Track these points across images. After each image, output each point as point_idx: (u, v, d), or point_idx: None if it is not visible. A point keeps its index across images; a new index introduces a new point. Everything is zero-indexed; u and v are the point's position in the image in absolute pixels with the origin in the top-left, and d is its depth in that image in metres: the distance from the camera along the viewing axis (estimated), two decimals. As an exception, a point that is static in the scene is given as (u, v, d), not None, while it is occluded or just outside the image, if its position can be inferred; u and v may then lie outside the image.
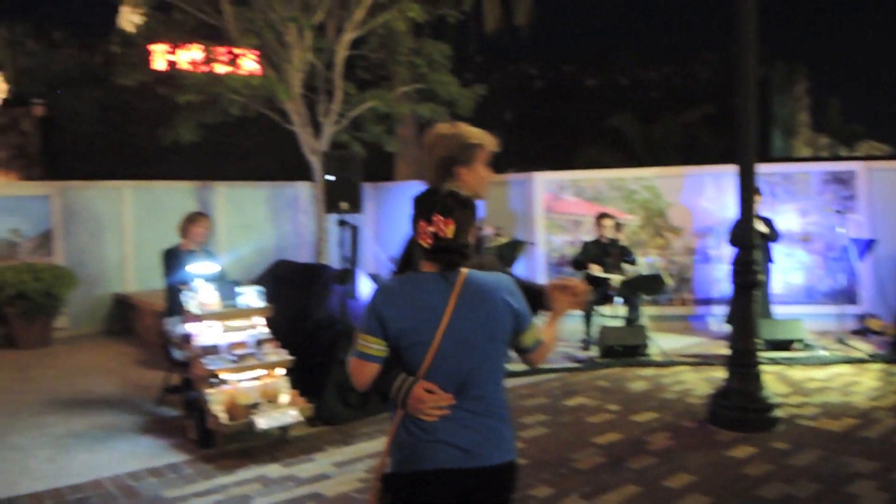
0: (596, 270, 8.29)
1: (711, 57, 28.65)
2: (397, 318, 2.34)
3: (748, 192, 5.70)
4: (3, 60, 23.43)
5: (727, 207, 9.21)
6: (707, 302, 9.70)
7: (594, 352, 8.05)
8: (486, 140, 2.79)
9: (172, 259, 6.37)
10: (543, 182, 10.25)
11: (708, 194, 9.67)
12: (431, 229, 2.33)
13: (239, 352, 5.53)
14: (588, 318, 8.40)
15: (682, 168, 10.49)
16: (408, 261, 2.58)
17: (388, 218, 12.25)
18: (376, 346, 2.35)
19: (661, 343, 8.11)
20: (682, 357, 7.93)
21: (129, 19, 20.07)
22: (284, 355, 5.63)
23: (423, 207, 2.37)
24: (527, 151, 25.67)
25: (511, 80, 30.38)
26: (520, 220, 10.24)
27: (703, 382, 6.91)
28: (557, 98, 29.45)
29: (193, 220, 6.51)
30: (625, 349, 7.85)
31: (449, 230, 2.32)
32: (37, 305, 8.99)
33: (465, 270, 2.39)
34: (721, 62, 26.88)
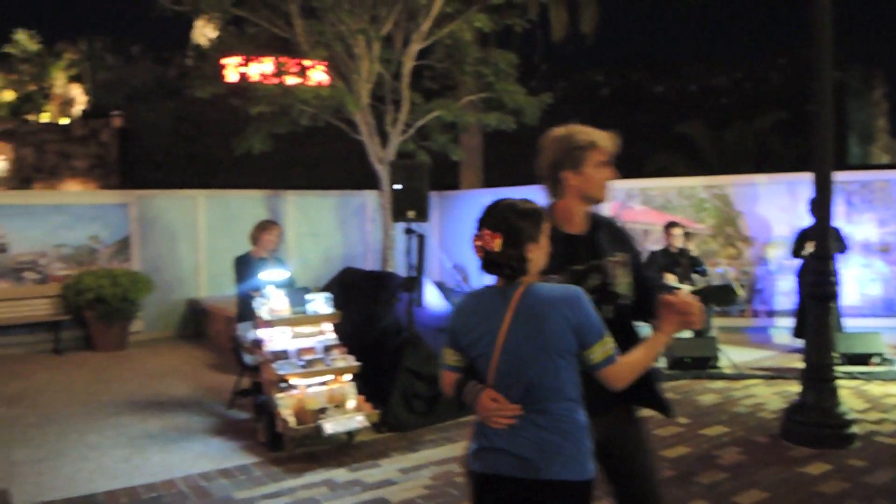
0: (671, 280, 8.15)
1: (784, 61, 27.92)
2: (464, 330, 2.43)
3: (825, 201, 5.54)
4: (83, 74, 24.44)
5: (802, 217, 8.96)
6: (780, 314, 9.44)
7: (662, 363, 7.92)
8: (599, 140, 2.73)
9: (244, 266, 6.53)
10: (611, 190, 10.13)
11: (781, 203, 9.42)
12: (479, 243, 2.37)
13: (307, 357, 5.63)
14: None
15: (754, 176, 10.26)
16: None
17: (453, 226, 12.31)
18: (453, 358, 2.48)
19: (732, 355, 7.93)
20: (754, 370, 7.73)
21: (204, 34, 20.74)
22: (352, 361, 5.70)
23: (478, 221, 2.41)
24: (593, 159, 25.36)
25: (577, 87, 30.21)
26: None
27: (775, 397, 6.72)
28: (624, 105, 29.13)
29: (264, 227, 6.67)
30: (694, 361, 7.69)
31: (496, 244, 2.33)
32: (114, 309, 9.31)
33: (526, 283, 2.37)
34: (795, 66, 26.18)
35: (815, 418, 5.36)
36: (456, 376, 2.47)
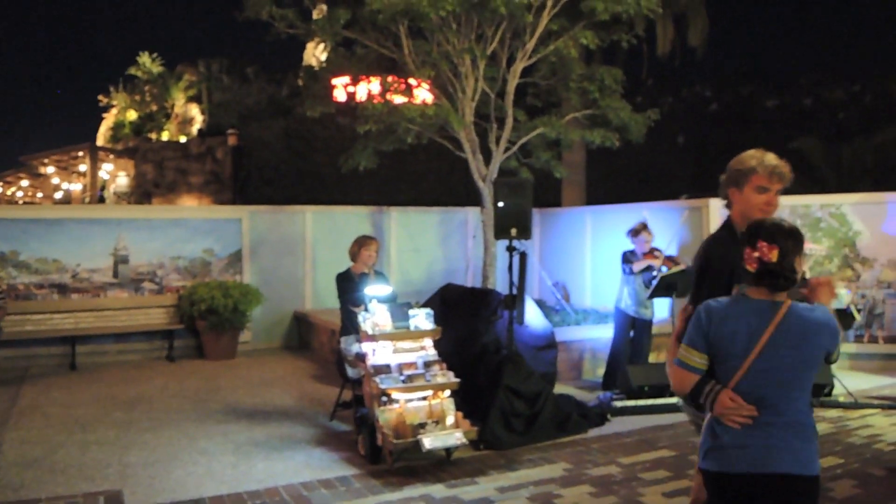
0: None
1: (908, 73, 26.44)
2: (718, 335, 2.63)
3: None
4: (201, 94, 25.71)
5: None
6: (901, 340, 8.91)
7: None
8: (760, 165, 3.00)
9: (346, 282, 6.69)
10: (719, 209, 9.84)
11: (905, 223, 8.91)
12: (756, 254, 2.59)
13: (408, 372, 5.70)
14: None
15: (874, 194, 9.74)
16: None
17: (554, 244, 12.23)
18: (699, 360, 2.68)
19: (848, 383, 7.53)
20: (871, 399, 7.33)
21: (315, 55, 21.46)
22: (451, 377, 5.74)
23: (750, 235, 2.63)
24: (702, 177, 24.77)
25: (684, 103, 29.53)
26: (694, 249, 9.89)
27: (894, 428, 6.34)
28: (734, 120, 28.25)
29: (362, 243, 6.80)
30: (807, 388, 7.35)
31: (773, 255, 2.56)
32: (225, 320, 9.71)
33: (789, 301, 2.62)
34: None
35: (941, 454, 5.03)
36: (696, 377, 2.67)
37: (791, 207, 9.52)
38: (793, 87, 29.82)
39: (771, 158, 2.99)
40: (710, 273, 3.02)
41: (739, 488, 2.60)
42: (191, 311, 9.75)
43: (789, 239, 2.61)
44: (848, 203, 9.35)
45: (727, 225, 3.11)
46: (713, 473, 2.66)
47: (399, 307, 5.99)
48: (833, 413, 6.93)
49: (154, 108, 26.96)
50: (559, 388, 7.21)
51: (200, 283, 9.96)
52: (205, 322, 9.73)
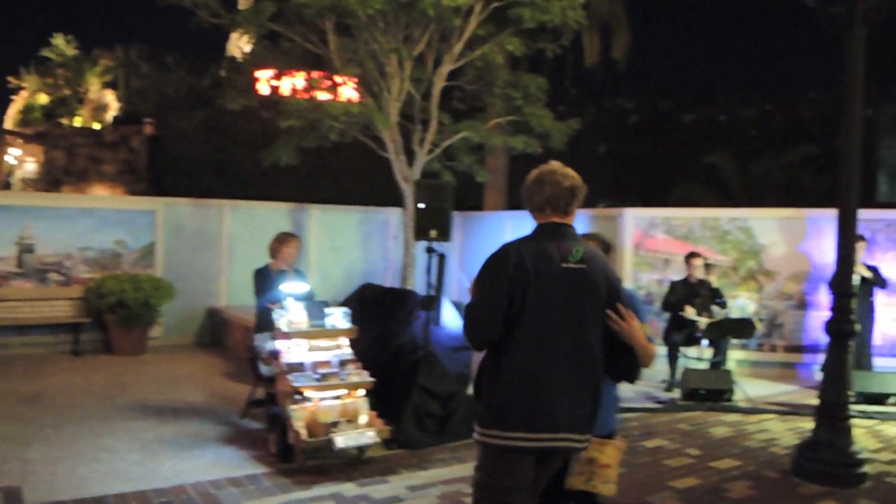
0: (690, 313, 8.12)
1: (816, 95, 27.75)
2: None
3: (848, 238, 5.52)
4: (117, 80, 24.90)
5: (827, 253, 8.89)
6: (801, 350, 9.36)
7: (676, 394, 7.88)
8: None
9: (263, 278, 6.59)
10: (634, 218, 10.15)
11: (807, 238, 9.36)
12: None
13: (323, 371, 5.67)
14: (672, 358, 8.24)
15: (779, 210, 10.20)
16: None
17: (475, 247, 12.35)
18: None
19: (748, 389, 7.87)
20: (769, 405, 7.67)
21: (239, 46, 21.07)
22: (366, 377, 5.74)
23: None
24: (619, 186, 25.40)
25: (606, 114, 30.21)
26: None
27: (789, 433, 6.66)
28: (653, 133, 29.07)
29: (283, 240, 6.72)
30: (708, 393, 7.65)
31: None
32: (135, 314, 9.43)
33: None
34: (826, 101, 26.03)
35: (827, 456, 5.31)
36: None
37: (702, 219, 9.88)
38: (709, 104, 30.88)
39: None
40: None
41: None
42: (99, 305, 9.44)
43: None
44: (755, 217, 9.76)
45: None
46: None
47: (316, 305, 5.95)
48: (733, 417, 7.22)
49: (67, 92, 25.96)
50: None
51: (110, 276, 9.65)
52: (114, 316, 9.43)
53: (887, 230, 9.21)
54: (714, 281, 8.55)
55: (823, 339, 5.87)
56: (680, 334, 8.24)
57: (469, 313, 2.95)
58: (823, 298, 8.85)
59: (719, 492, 5.14)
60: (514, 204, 15.90)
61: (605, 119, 29.61)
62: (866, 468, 5.39)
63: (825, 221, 8.96)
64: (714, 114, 30.57)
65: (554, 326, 2.87)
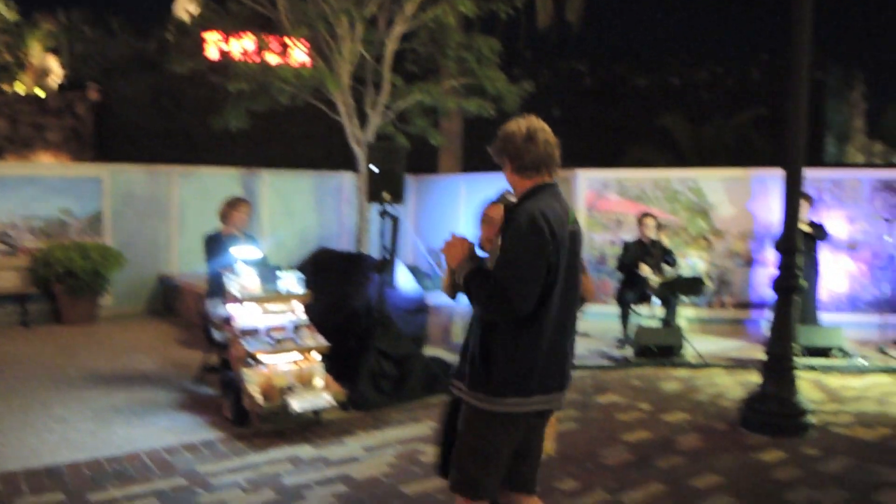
0: (646, 271, 8.23)
1: (766, 58, 28.10)
2: None
3: (794, 196, 5.64)
4: (60, 46, 24.09)
5: (774, 211, 9.08)
6: (748, 306, 9.59)
7: (629, 351, 8.02)
8: None
9: (214, 244, 6.51)
10: (587, 179, 10.22)
11: (755, 198, 9.54)
12: None
13: (277, 335, 5.65)
14: (624, 317, 8.37)
15: (728, 170, 10.36)
16: None
17: (430, 210, 12.33)
18: None
19: (698, 345, 8.04)
20: (718, 360, 7.86)
21: (185, 8, 20.51)
22: (321, 340, 5.73)
23: None
24: (573, 149, 25.47)
25: (560, 77, 30.20)
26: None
27: (737, 386, 6.85)
28: (606, 96, 29.16)
29: (234, 205, 6.63)
30: (660, 350, 7.80)
31: None
32: (84, 283, 9.25)
33: None
34: (775, 64, 26.40)
35: (773, 408, 5.48)
36: None
37: (653, 180, 9.99)
38: (662, 67, 31.06)
39: None
40: None
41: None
42: (47, 274, 9.21)
43: None
44: (704, 178, 9.91)
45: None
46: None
47: (268, 270, 5.90)
48: (683, 373, 7.39)
49: (8, 58, 25.04)
50: (429, 351, 7.33)
51: (57, 245, 9.42)
52: (62, 285, 9.23)
53: (833, 189, 9.43)
54: (665, 241, 8.67)
55: (770, 295, 6.02)
56: (632, 293, 8.36)
57: (509, 283, 2.67)
58: (770, 256, 9.04)
59: (669, 444, 5.27)
60: (469, 167, 15.88)
61: (559, 82, 29.61)
62: (811, 418, 5.56)
63: (772, 181, 9.13)
64: (667, 77, 30.79)
65: (564, 290, 2.80)
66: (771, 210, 9.25)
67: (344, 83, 9.74)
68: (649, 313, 8.45)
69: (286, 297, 5.80)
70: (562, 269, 2.77)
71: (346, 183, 11.78)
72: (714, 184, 9.79)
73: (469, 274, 2.78)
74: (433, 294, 9.16)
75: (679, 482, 4.55)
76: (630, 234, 9.13)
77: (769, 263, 9.07)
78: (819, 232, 8.15)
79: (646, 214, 8.66)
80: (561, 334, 2.83)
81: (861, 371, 7.41)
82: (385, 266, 6.53)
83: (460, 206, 11.56)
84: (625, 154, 20.33)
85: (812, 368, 7.41)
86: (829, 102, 32.10)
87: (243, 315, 5.67)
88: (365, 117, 10.15)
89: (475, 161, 17.39)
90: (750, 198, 9.57)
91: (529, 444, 2.97)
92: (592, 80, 30.89)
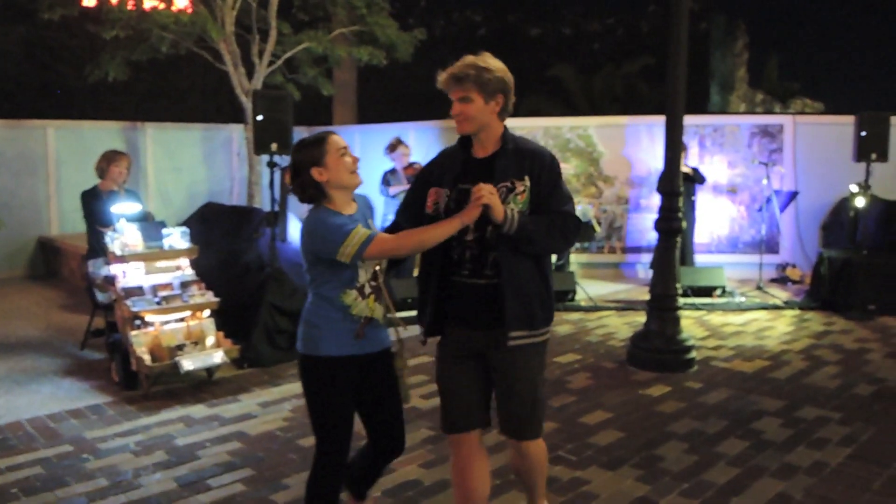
0: None
1: (653, 8, 28.75)
2: None
3: (675, 142, 5.83)
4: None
5: (659, 158, 9.36)
6: (637, 250, 9.93)
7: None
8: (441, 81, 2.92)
9: (93, 200, 6.19)
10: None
11: (641, 145, 9.81)
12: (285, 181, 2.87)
13: (164, 293, 5.46)
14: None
15: (615, 118, 10.62)
16: None
17: (325, 163, 12.10)
18: None
19: (589, 289, 8.29)
20: (608, 302, 8.13)
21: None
22: (210, 297, 5.57)
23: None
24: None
25: (455, 27, 30.06)
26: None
27: (625, 326, 7.12)
28: (501, 47, 29.20)
29: (111, 159, 6.29)
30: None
31: (287, 179, 2.84)
32: (-44, 247, 8.70)
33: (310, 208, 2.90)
34: (662, 15, 27.03)
35: (658, 345, 5.72)
36: None
37: (544, 129, 10.12)
38: (554, 17, 31.32)
39: (455, 64, 2.84)
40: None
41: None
42: (-90, 239, 8.61)
43: (302, 152, 2.82)
44: (593, 125, 10.11)
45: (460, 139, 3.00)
46: None
47: (152, 226, 5.67)
48: (574, 316, 7.61)
49: None
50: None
51: (-79, 206, 8.80)
52: (-71, 250, 8.65)
53: (714, 135, 9.80)
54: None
55: (651, 239, 6.24)
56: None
57: (573, 212, 2.83)
58: (656, 201, 9.36)
59: (562, 384, 5.44)
60: (364, 118, 15.68)
61: (455, 32, 29.49)
62: (694, 354, 5.85)
63: (658, 128, 9.39)
64: (559, 27, 31.10)
65: None
66: (657, 156, 9.54)
67: (227, 30, 9.39)
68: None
69: (172, 254, 5.59)
70: None
71: (236, 136, 11.42)
72: (602, 131, 10.01)
73: (524, 219, 2.72)
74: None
75: (571, 420, 4.71)
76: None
77: (654, 208, 9.40)
78: (697, 176, 8.49)
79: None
80: None
81: (741, 308, 7.83)
82: (275, 219, 6.39)
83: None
84: (520, 104, 20.48)
85: (695, 307, 7.77)
86: (713, 52, 33.17)
87: (127, 274, 5.45)
88: (252, 66, 9.82)
89: (371, 113, 17.19)
90: (637, 144, 9.83)
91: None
92: (487, 30, 30.89)
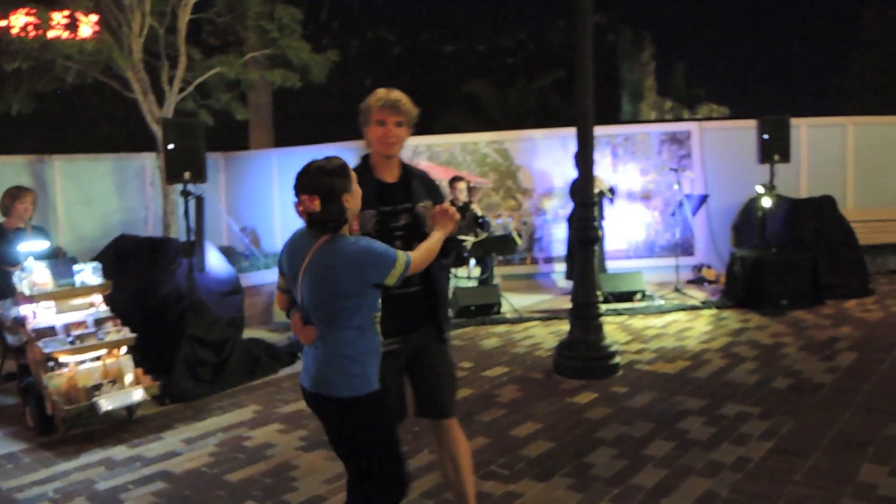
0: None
1: (563, 23, 29.46)
2: (288, 263, 2.83)
3: (587, 153, 5.95)
4: None
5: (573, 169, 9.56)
6: (556, 260, 10.09)
7: (449, 312, 8.21)
8: (375, 100, 3.15)
9: (-3, 238, 5.95)
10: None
11: (555, 156, 10.00)
12: (301, 208, 2.69)
13: (77, 332, 5.26)
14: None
15: (530, 131, 10.81)
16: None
17: (242, 188, 11.92)
18: (282, 282, 2.91)
19: (514, 301, 8.38)
20: (533, 313, 8.23)
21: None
22: (127, 333, 5.40)
23: (294, 188, 2.71)
24: (387, 118, 25.45)
25: (369, 46, 30.13)
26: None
27: (551, 336, 7.21)
28: (416, 64, 29.43)
29: (15, 195, 6.06)
30: (478, 308, 8.05)
31: (315, 204, 2.65)
32: None
33: (325, 237, 2.71)
34: (571, 29, 27.75)
35: (583, 352, 5.82)
36: (286, 297, 2.93)
37: (461, 144, 10.22)
38: (467, 34, 31.76)
39: (385, 93, 3.16)
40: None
41: (309, 401, 2.88)
42: None
43: (334, 178, 2.68)
44: (510, 140, 10.26)
45: (363, 158, 3.27)
46: (301, 387, 2.90)
47: (62, 263, 5.47)
48: (501, 328, 7.68)
49: None
50: (250, 333, 7.14)
51: None
52: None
53: (625, 143, 10.07)
54: (477, 208, 8.86)
55: (562, 249, 6.34)
56: (448, 257, 8.54)
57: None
58: (564, 212, 9.55)
59: (491, 398, 5.47)
60: (282, 141, 15.50)
61: (369, 51, 29.55)
62: (618, 359, 5.97)
63: (571, 140, 9.59)
64: (473, 44, 31.53)
65: None
66: (571, 168, 9.74)
67: (135, 57, 9.16)
68: (467, 274, 8.69)
69: (84, 291, 5.40)
70: None
71: (149, 165, 11.12)
72: (518, 144, 10.17)
73: (450, 234, 3.04)
74: (250, 274, 8.93)
75: (501, 433, 4.74)
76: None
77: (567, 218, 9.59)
78: (608, 191, 8.73)
79: (456, 178, 8.83)
80: None
81: (661, 311, 8.04)
82: (192, 248, 6.24)
83: (274, 182, 11.26)
84: (438, 121, 20.63)
85: (617, 312, 7.94)
86: (622, 63, 34.15)
87: (37, 314, 5.24)
88: (162, 93, 9.61)
89: (289, 135, 17.02)
90: (552, 157, 10.02)
91: None
92: (401, 48, 31.06)
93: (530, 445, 4.52)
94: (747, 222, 9.69)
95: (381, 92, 3.18)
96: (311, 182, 2.67)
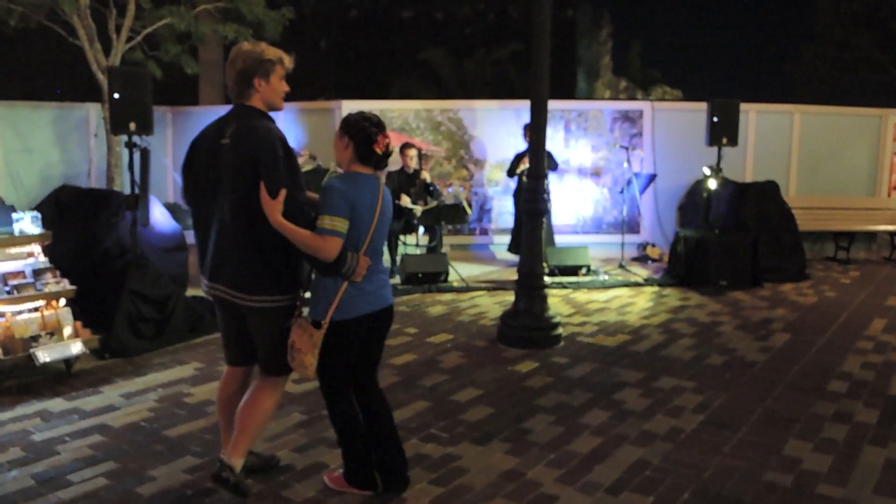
0: (405, 202, 8.40)
1: (523, -4, 29.35)
2: (362, 205, 3.17)
3: (540, 125, 5.99)
4: None
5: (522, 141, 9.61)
6: (506, 231, 10.16)
7: (396, 279, 8.24)
8: (284, 57, 3.31)
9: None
10: (350, 111, 10.15)
11: (509, 128, 10.03)
12: (386, 141, 3.26)
13: (15, 282, 5.14)
14: (392, 246, 8.55)
15: (484, 102, 10.79)
16: None
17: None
18: (342, 226, 3.10)
19: (461, 270, 8.43)
20: (479, 283, 8.30)
21: None
22: (67, 285, 5.30)
23: (377, 124, 3.26)
24: (341, 81, 25.25)
25: (327, 7, 29.59)
26: (328, 148, 10.13)
27: (496, 306, 7.30)
28: (373, 29, 29.05)
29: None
30: (426, 276, 8.09)
31: (389, 144, 3.29)
32: None
33: (380, 176, 3.42)
34: (530, 2, 27.67)
35: (526, 322, 5.91)
36: (341, 241, 3.11)
37: (415, 112, 10.17)
38: (426, 1, 31.42)
39: (282, 51, 3.31)
40: (288, 155, 3.22)
41: (390, 316, 3.45)
42: None
43: (380, 125, 3.30)
44: (463, 109, 10.24)
45: (267, 115, 3.33)
46: (344, 321, 3.22)
47: (0, 212, 5.32)
48: (448, 297, 7.73)
49: None
50: (194, 291, 7.05)
51: None
52: None
53: (578, 119, 10.15)
54: (426, 175, 8.86)
55: (509, 221, 6.39)
56: (398, 223, 8.54)
57: None
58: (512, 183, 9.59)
59: (434, 363, 5.52)
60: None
61: (326, 12, 29.04)
62: (560, 331, 6.08)
63: (525, 113, 9.63)
64: (431, 11, 31.22)
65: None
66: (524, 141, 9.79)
67: (81, 2, 8.85)
68: (415, 242, 8.70)
69: (22, 240, 5.27)
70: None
71: (94, 115, 10.81)
72: (473, 114, 10.16)
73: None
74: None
75: (442, 398, 4.80)
76: (395, 165, 9.26)
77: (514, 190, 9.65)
78: (550, 162, 8.79)
79: (407, 145, 8.80)
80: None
81: (604, 286, 8.18)
82: (136, 202, 6.11)
83: (223, 139, 11.05)
84: (393, 87, 20.48)
85: (562, 286, 8.06)
86: (580, 40, 34.23)
87: (-28, 262, 5.10)
88: (109, 42, 9.32)
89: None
90: (505, 128, 10.04)
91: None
92: (359, 11, 30.59)
93: (470, 410, 4.59)
94: (693, 203, 9.89)
95: (276, 49, 3.29)
96: (383, 126, 3.27)
